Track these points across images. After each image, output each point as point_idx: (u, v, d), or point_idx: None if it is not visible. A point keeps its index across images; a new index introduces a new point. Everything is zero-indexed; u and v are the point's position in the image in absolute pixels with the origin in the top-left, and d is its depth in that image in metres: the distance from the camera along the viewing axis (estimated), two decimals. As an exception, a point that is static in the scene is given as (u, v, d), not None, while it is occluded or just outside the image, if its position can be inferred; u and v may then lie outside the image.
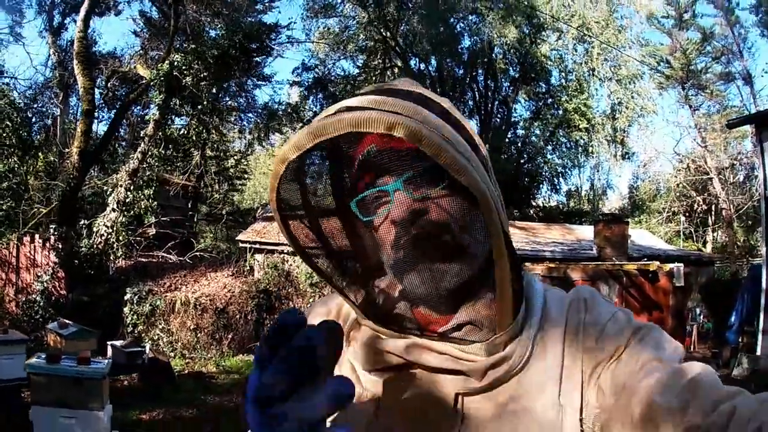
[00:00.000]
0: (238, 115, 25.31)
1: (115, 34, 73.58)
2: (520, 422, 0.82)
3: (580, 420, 0.83)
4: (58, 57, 23.05)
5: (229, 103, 24.32)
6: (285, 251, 13.93)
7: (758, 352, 11.51)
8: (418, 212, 0.82)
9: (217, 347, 11.55)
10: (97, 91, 21.32)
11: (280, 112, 23.86)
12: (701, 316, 15.87)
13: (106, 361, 5.49)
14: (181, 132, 21.05)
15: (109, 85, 21.79)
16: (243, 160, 28.72)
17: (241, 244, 14.67)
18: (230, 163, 27.76)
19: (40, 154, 17.72)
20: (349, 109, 0.77)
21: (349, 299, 0.92)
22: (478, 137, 0.89)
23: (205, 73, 15.78)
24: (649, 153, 32.75)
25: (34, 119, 22.36)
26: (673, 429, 0.72)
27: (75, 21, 16.19)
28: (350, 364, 0.93)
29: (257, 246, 14.32)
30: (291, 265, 13.81)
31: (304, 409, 0.52)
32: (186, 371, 10.06)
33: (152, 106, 15.36)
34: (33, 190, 17.02)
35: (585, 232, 20.10)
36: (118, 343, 8.20)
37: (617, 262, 13.33)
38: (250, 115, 25.36)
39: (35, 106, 22.85)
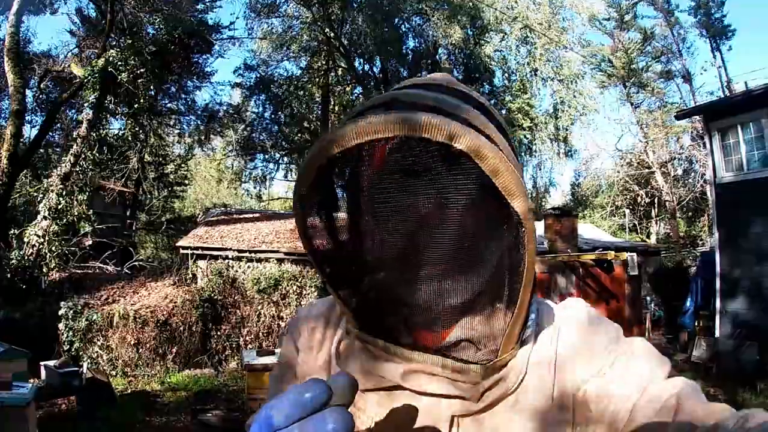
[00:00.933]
0: (177, 118, 24.54)
1: (50, 32, 70.43)
2: None
3: None
4: None
5: (169, 105, 23.58)
6: (229, 256, 13.30)
7: (717, 335, 12.01)
8: (433, 225, 0.78)
9: (161, 363, 10.83)
10: (29, 93, 20.61)
11: (221, 113, 23.22)
12: (652, 304, 16.55)
13: (31, 384, 4.79)
14: (117, 134, 20.14)
15: (42, 86, 20.80)
16: (183, 165, 28.04)
17: (182, 251, 13.91)
18: (170, 169, 27.04)
19: None
20: (401, 104, 0.75)
21: (346, 306, 0.90)
22: (509, 133, 0.86)
23: (142, 70, 15.08)
24: (591, 150, 33.66)
25: None
26: None
27: (7, 17, 15.27)
28: None
29: (200, 252, 13.60)
30: (237, 271, 13.20)
31: None
32: (129, 390, 9.35)
33: (86, 105, 14.45)
34: None
35: (538, 227, 20.06)
36: (51, 363, 7.47)
37: (573, 254, 13.34)
38: (190, 117, 24.60)
39: None
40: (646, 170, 29.53)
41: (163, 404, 8.61)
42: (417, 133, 0.68)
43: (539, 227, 19.85)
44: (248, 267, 13.38)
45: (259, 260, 13.51)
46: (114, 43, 16.39)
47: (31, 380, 8.32)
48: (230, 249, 13.47)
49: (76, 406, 7.66)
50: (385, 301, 0.88)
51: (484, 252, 0.80)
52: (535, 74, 28.28)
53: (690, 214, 30.36)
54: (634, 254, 13.30)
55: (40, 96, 21.02)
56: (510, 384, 0.83)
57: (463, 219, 0.78)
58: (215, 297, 12.27)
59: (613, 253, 12.67)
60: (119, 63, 14.34)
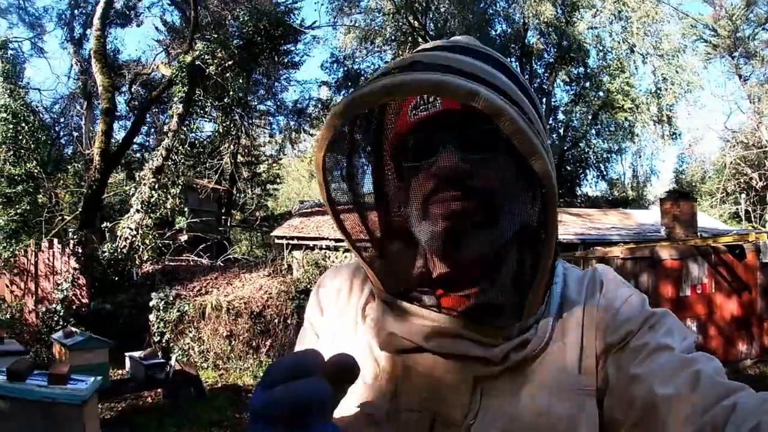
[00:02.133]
0: (267, 118, 25.26)
1: (137, 44, 74.16)
2: (540, 406, 0.80)
3: (599, 402, 0.81)
4: (80, 66, 22.77)
5: (259, 107, 23.89)
6: (326, 246, 12.70)
7: None
8: (464, 174, 0.80)
9: (254, 356, 10.25)
10: (121, 98, 21.69)
11: (310, 109, 23.16)
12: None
13: (93, 379, 4.08)
14: (210, 133, 20.35)
15: (132, 90, 21.30)
16: (275, 165, 28.63)
17: (277, 241, 13.45)
18: (262, 168, 27.71)
19: (69, 167, 17.46)
20: (424, 66, 0.73)
21: (370, 267, 0.90)
22: (536, 98, 0.86)
23: (230, 62, 14.81)
24: (697, 131, 31.32)
25: (62, 133, 22.31)
26: (673, 420, 0.72)
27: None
28: (366, 343, 0.93)
29: (295, 242, 13.12)
30: (333, 261, 12.58)
31: None
32: (219, 384, 8.80)
33: (175, 100, 14.34)
34: (63, 202, 16.69)
35: (642, 216, 19.63)
36: (137, 354, 6.95)
37: (707, 237, 12.17)
38: (278, 117, 25.30)
39: (62, 120, 22.96)
40: (760, 150, 27.26)
41: (255, 399, 7.98)
42: (439, 93, 0.71)
43: (646, 216, 18.56)
44: (345, 257, 12.74)
45: (358, 250, 12.83)
46: (200, 38, 16.32)
47: (120, 371, 7.92)
48: (327, 238, 12.89)
49: (163, 400, 7.16)
50: (409, 263, 0.93)
51: (507, 213, 0.82)
52: (632, 51, 26.53)
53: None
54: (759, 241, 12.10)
55: (132, 102, 21.77)
56: (534, 346, 0.82)
57: (485, 178, 0.81)
58: (311, 288, 11.47)
59: (754, 234, 11.57)
60: (207, 56, 14.25)
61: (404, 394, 0.86)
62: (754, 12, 26.60)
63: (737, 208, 28.30)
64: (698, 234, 14.28)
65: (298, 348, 1.07)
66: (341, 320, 1.01)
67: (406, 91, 0.71)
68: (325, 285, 1.08)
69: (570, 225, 17.04)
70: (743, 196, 27.75)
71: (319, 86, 27.45)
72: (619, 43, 26.63)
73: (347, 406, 0.86)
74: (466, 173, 0.80)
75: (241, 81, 17.06)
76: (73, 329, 6.45)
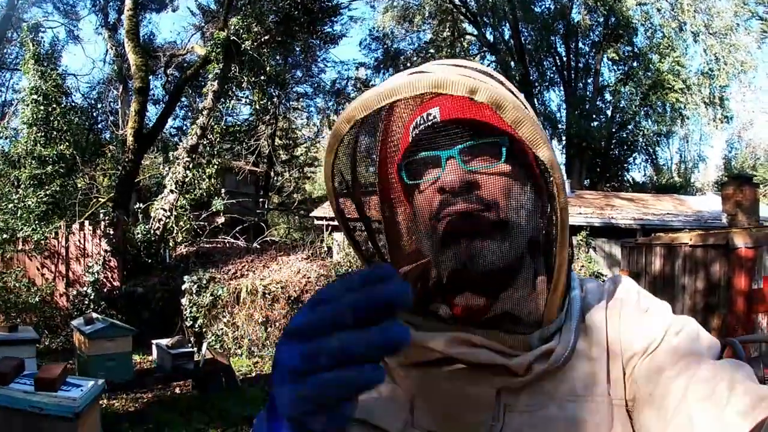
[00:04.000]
0: (304, 101, 25.57)
1: (173, 28, 74.71)
2: (569, 416, 0.78)
3: (628, 412, 0.80)
4: (116, 51, 22.85)
5: (296, 89, 23.64)
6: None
7: None
8: (469, 185, 0.80)
9: (291, 343, 9.75)
10: (157, 82, 22.20)
11: (349, 88, 22.73)
12: None
13: (90, 384, 3.37)
14: (245, 115, 20.07)
15: (167, 72, 21.08)
16: (312, 148, 28.39)
17: (317, 222, 12.89)
18: (300, 151, 27.59)
19: (107, 151, 17.46)
20: (423, 73, 0.75)
21: None
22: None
23: (266, 37, 14.24)
24: (752, 113, 30.33)
25: (99, 118, 22.46)
26: (706, 429, 0.70)
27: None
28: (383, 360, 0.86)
29: (335, 223, 12.50)
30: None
31: (348, 343, 0.44)
32: (253, 373, 8.26)
33: (210, 77, 13.88)
34: (101, 186, 16.65)
35: (698, 203, 18.90)
36: (164, 342, 6.40)
37: None
38: (317, 99, 25.49)
39: (100, 106, 23.32)
40: None
41: (291, 392, 7.39)
42: (438, 89, 0.71)
43: (700, 203, 17.74)
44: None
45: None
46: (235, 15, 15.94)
47: (150, 358, 7.43)
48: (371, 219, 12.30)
49: (192, 391, 6.63)
50: (424, 276, 0.89)
51: (518, 222, 0.81)
52: (682, 29, 25.55)
53: None
54: None
55: (167, 84, 21.81)
56: (558, 357, 0.80)
57: (493, 188, 0.80)
58: (353, 272, 10.92)
59: None
60: (242, 31, 13.76)
61: (419, 410, 0.83)
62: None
63: None
64: (760, 223, 13.32)
65: None
66: None
67: (407, 90, 0.72)
68: None
69: (624, 209, 16.41)
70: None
71: (357, 68, 27.01)
72: (668, 20, 25.71)
73: (360, 419, 0.83)
74: (473, 184, 0.80)
75: (278, 57, 16.57)
76: (95, 315, 5.92)
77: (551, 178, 0.74)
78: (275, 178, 26.11)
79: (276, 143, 23.41)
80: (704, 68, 26.15)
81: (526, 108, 0.73)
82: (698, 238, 9.77)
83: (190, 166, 12.88)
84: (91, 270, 10.05)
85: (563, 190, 0.75)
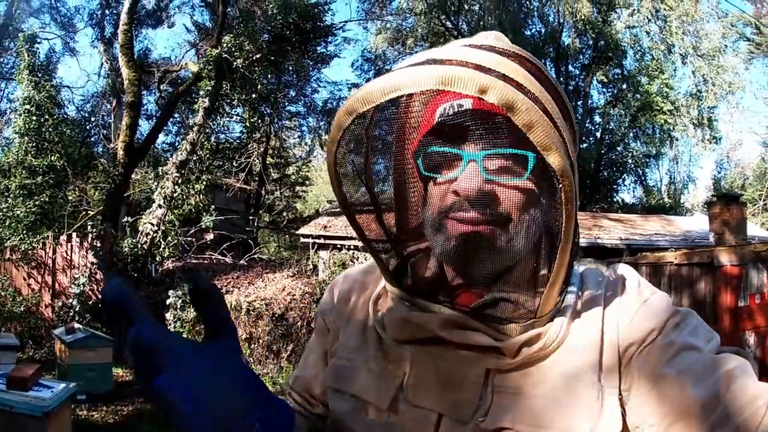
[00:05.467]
0: (296, 120, 25.62)
1: (168, 43, 74.97)
2: (556, 402, 0.79)
3: (621, 402, 0.80)
4: (111, 65, 22.97)
5: (289, 108, 23.78)
6: (354, 246, 12.18)
7: None
8: (485, 195, 0.78)
9: (274, 361, 9.72)
10: (151, 98, 22.51)
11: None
12: None
13: (61, 386, 3.41)
14: (236, 133, 20.16)
15: (161, 87, 21.23)
16: (304, 167, 28.45)
17: (303, 240, 12.95)
18: (291, 170, 27.64)
19: (98, 164, 17.50)
20: (435, 61, 0.72)
21: (384, 264, 0.91)
22: (567, 98, 0.84)
23: (258, 55, 14.40)
24: (740, 134, 30.90)
25: (92, 131, 22.93)
26: (703, 422, 0.72)
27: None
28: (376, 333, 0.93)
29: (321, 241, 12.59)
30: (362, 262, 11.97)
31: None
32: (236, 390, 8.27)
33: (202, 94, 14.00)
34: (91, 199, 16.66)
35: (686, 223, 19.25)
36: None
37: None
38: (309, 119, 25.56)
39: (93, 119, 23.43)
40: None
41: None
42: (446, 87, 0.67)
43: (689, 223, 17.90)
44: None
45: (385, 251, 12.28)
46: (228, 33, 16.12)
47: (130, 372, 7.44)
48: (355, 238, 12.33)
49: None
50: (423, 261, 0.93)
51: (525, 234, 0.80)
52: (671, 52, 26.11)
53: None
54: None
55: (160, 100, 21.81)
56: (549, 340, 0.81)
57: (508, 203, 0.78)
58: (337, 291, 10.95)
59: None
60: (234, 49, 13.92)
61: (410, 387, 0.86)
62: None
63: None
64: (747, 241, 13.45)
65: (309, 344, 1.15)
66: (354, 313, 1.02)
67: (412, 85, 0.68)
68: (340, 282, 1.10)
69: (612, 230, 16.55)
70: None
71: (349, 88, 27.20)
72: (657, 43, 26.20)
73: (351, 394, 0.91)
74: (488, 195, 0.78)
75: (270, 76, 16.70)
76: (77, 325, 5.95)
77: (560, 185, 0.72)
78: (266, 197, 26.16)
79: (267, 161, 23.49)
80: (692, 90, 26.71)
81: (542, 104, 0.70)
82: (683, 256, 9.84)
83: (179, 181, 12.94)
84: (77, 282, 10.06)
85: (572, 199, 0.73)
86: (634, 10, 25.29)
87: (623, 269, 0.93)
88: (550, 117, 0.69)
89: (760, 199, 28.31)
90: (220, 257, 14.24)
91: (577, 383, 0.79)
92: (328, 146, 0.81)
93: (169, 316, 9.46)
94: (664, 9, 24.48)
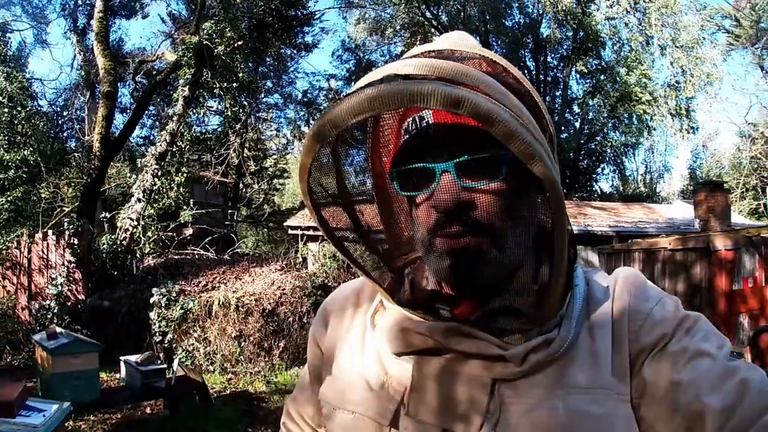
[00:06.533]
0: (274, 111, 25.46)
1: (143, 33, 73.84)
2: (572, 411, 0.75)
3: (632, 407, 0.77)
4: (84, 57, 22.18)
5: (267, 99, 23.43)
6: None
7: None
8: (465, 204, 0.75)
9: (266, 359, 9.28)
10: (125, 90, 22.07)
11: (320, 99, 22.65)
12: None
13: (54, 407, 2.94)
14: (214, 125, 19.75)
15: (136, 80, 20.66)
16: (282, 159, 28.64)
17: (291, 231, 12.56)
18: (269, 163, 27.63)
19: (71, 159, 17.01)
20: (399, 77, 0.68)
21: (377, 282, 0.88)
22: (539, 97, 0.82)
23: (239, 42, 13.91)
24: (719, 123, 32.11)
25: (65, 126, 22.63)
26: (716, 429, 0.70)
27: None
28: (375, 350, 0.90)
29: (311, 233, 12.18)
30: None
31: None
32: (227, 390, 7.85)
33: (181, 83, 13.48)
34: (66, 195, 16.17)
35: (668, 211, 19.69)
36: (133, 358, 5.97)
37: (761, 224, 11.89)
38: (287, 110, 25.43)
39: (66, 113, 22.87)
40: None
41: (268, 410, 6.94)
42: (413, 104, 0.63)
43: (670, 211, 18.14)
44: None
45: (381, 241, 11.93)
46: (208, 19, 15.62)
47: (118, 375, 7.04)
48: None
49: (164, 411, 6.24)
50: (419, 272, 0.92)
51: (516, 238, 0.78)
52: (649, 43, 26.49)
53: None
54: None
55: (135, 92, 21.25)
56: (556, 347, 0.78)
57: (490, 207, 0.76)
58: (329, 284, 10.55)
59: None
60: (215, 35, 13.44)
61: (413, 402, 0.82)
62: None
63: (758, 204, 28.16)
64: (731, 227, 13.70)
65: (297, 389, 1.18)
66: (349, 332, 0.99)
67: (378, 104, 0.64)
68: (332, 300, 1.07)
69: (597, 218, 16.80)
70: (768, 190, 27.49)
71: (328, 79, 26.87)
72: (636, 34, 26.48)
73: (351, 411, 0.87)
74: (468, 204, 0.75)
75: (250, 64, 16.28)
76: (58, 329, 5.46)
77: (548, 194, 0.68)
78: (244, 190, 25.73)
79: (245, 154, 23.09)
80: (671, 80, 27.18)
81: (515, 114, 0.64)
82: (677, 242, 9.98)
83: (159, 173, 12.47)
84: (54, 282, 9.51)
85: (561, 207, 0.69)
86: (613, 1, 25.39)
87: (629, 272, 0.90)
88: (525, 126, 0.65)
89: (738, 188, 28.61)
90: (203, 252, 13.80)
91: (591, 391, 0.76)
92: (299, 174, 0.78)
93: (153, 315, 9.00)
94: (644, 1, 24.80)
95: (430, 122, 0.76)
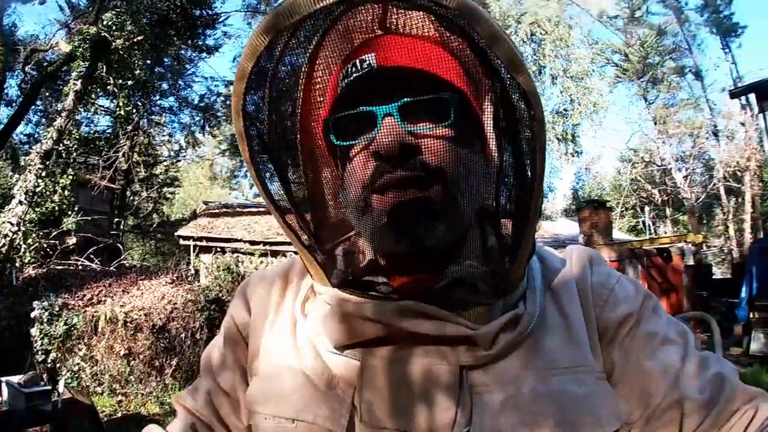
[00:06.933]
0: (168, 115, 24.24)
1: (39, 19, 69.92)
2: (554, 393, 0.69)
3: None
4: None
5: (161, 102, 22.55)
6: (238, 249, 11.46)
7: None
8: (410, 149, 0.68)
9: (157, 378, 8.83)
10: (13, 81, 20.08)
11: (218, 105, 22.15)
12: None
13: None
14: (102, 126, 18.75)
15: (26, 69, 19.30)
16: (173, 167, 27.55)
17: (182, 242, 12.05)
18: (159, 170, 26.30)
19: None
20: None
21: (315, 259, 0.77)
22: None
23: (140, 37, 13.20)
24: (598, 149, 36.15)
25: None
26: (696, 421, 0.70)
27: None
28: (310, 343, 0.78)
29: (203, 243, 11.75)
30: (247, 266, 11.36)
31: None
32: (118, 413, 7.34)
33: (74, 76, 12.56)
34: None
35: (552, 227, 20.95)
36: (15, 379, 5.39)
37: (644, 239, 14.01)
38: (182, 115, 24.32)
39: None
40: (658, 167, 30.40)
41: (164, 434, 6.53)
42: None
43: (555, 227, 19.54)
44: (261, 262, 11.59)
45: (274, 254, 11.64)
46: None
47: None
48: (241, 240, 11.66)
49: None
50: (354, 250, 0.81)
51: (470, 189, 0.70)
52: (542, 72, 27.40)
53: (701, 214, 30.82)
54: (690, 243, 13.33)
55: (24, 84, 19.66)
56: (526, 324, 0.72)
57: (439, 151, 0.68)
58: (223, 297, 10.21)
59: (692, 234, 12.89)
60: (114, 27, 12.64)
61: (365, 404, 0.71)
62: (662, 43, 29.57)
63: (637, 221, 31.32)
64: (612, 242, 15.35)
65: (216, 359, 0.90)
66: (276, 320, 0.84)
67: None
68: (254, 283, 0.91)
69: None
70: (647, 209, 30.55)
71: (226, 85, 26.31)
72: (530, 63, 27.62)
73: (294, 420, 0.74)
74: (415, 148, 0.68)
75: (148, 62, 15.56)
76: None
77: (532, 112, 0.63)
78: (132, 198, 24.58)
79: (135, 159, 22.06)
80: (559, 108, 28.46)
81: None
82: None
83: (43, 174, 11.49)
84: None
85: (543, 127, 0.64)
86: (512, 31, 26.61)
87: (584, 248, 0.86)
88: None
89: (618, 207, 31.43)
90: (87, 263, 12.97)
91: (571, 369, 0.71)
92: (236, 83, 0.69)
93: (34, 331, 8.30)
94: (540, 33, 26.07)
95: (374, 65, 0.69)
